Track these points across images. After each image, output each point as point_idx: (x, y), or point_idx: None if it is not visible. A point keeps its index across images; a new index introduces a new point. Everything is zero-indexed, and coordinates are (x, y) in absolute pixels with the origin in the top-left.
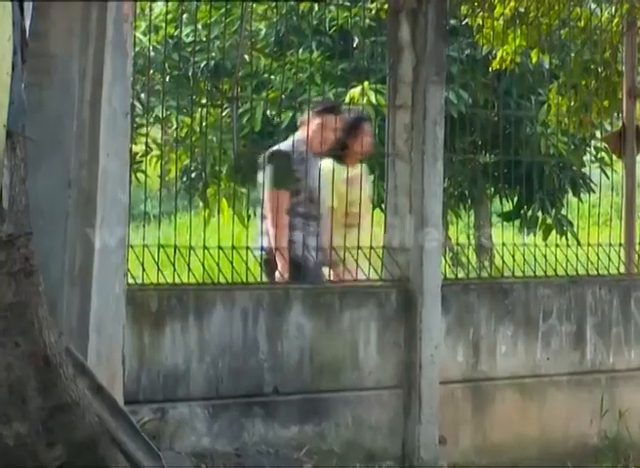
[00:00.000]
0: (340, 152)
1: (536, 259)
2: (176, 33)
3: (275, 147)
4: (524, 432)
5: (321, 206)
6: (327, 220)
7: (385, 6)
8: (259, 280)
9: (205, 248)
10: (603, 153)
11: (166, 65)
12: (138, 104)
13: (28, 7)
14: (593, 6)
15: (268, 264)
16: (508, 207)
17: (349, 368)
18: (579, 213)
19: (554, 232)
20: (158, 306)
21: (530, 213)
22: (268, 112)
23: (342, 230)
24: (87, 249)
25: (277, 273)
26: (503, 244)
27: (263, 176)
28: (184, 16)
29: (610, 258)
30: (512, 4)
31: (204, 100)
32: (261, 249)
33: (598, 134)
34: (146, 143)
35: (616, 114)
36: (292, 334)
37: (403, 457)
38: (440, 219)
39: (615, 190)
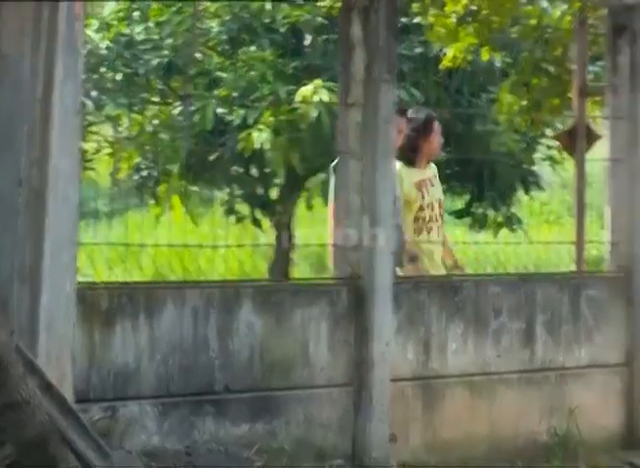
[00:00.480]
0: (411, 154)
1: (486, 257)
2: (127, 31)
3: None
4: (474, 430)
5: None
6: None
7: (337, 4)
8: (209, 278)
9: (156, 246)
10: (554, 151)
11: (117, 63)
12: (89, 102)
13: None
14: (544, 4)
15: None
16: (460, 204)
17: (300, 365)
18: (529, 210)
19: (505, 230)
20: (108, 305)
21: (481, 210)
22: (220, 110)
23: (415, 233)
24: (37, 247)
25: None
26: (455, 242)
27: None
28: (136, 14)
29: (560, 256)
30: (464, 2)
31: (155, 98)
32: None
33: (549, 132)
34: (98, 141)
35: (567, 112)
36: (242, 332)
37: (353, 455)
38: (391, 217)
39: (565, 188)
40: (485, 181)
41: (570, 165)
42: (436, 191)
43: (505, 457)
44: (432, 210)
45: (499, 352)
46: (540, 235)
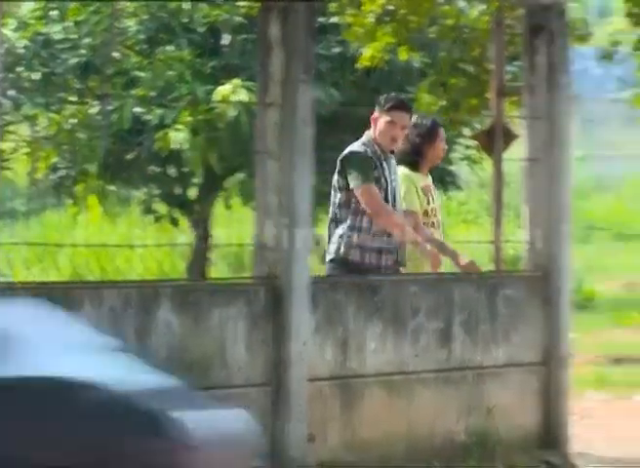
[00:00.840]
0: (416, 159)
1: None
2: (45, 30)
3: (347, 150)
4: (392, 429)
5: (397, 208)
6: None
7: (256, 4)
8: (127, 277)
9: (74, 245)
10: (472, 151)
11: (35, 63)
12: (6, 102)
13: None
14: (462, 4)
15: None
16: None
17: (218, 365)
18: (447, 210)
19: None
20: None
21: None
22: (138, 110)
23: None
24: None
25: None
26: None
27: (341, 181)
28: (54, 13)
29: (478, 256)
30: (381, 1)
31: (73, 98)
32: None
33: (467, 131)
34: (15, 141)
35: (484, 112)
36: (161, 332)
37: (272, 455)
38: (309, 218)
39: (483, 187)
40: None
41: (488, 164)
42: (437, 197)
43: (423, 456)
44: (435, 216)
45: (417, 351)
46: (458, 234)
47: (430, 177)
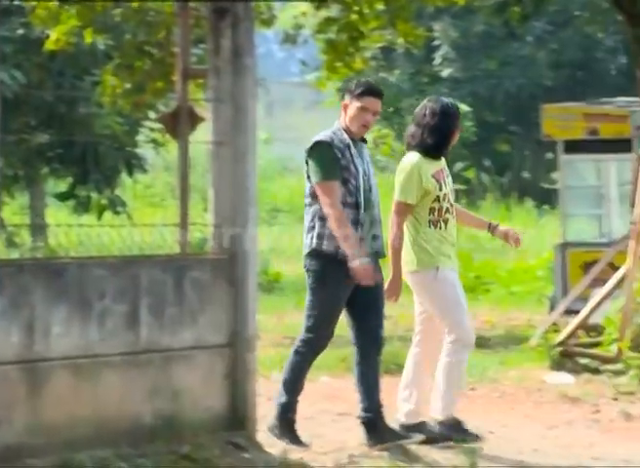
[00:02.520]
0: (434, 143)
1: (90, 240)
2: None
3: (312, 140)
4: (79, 412)
5: (373, 194)
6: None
7: None
8: None
9: None
10: (157, 134)
11: None
12: None
13: None
14: None
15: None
16: (63, 187)
17: None
18: (133, 193)
19: (109, 212)
20: None
21: (84, 193)
22: None
23: (430, 226)
24: None
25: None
26: (58, 224)
27: (307, 171)
28: None
29: (164, 238)
30: None
31: None
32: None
33: (153, 114)
34: None
35: (170, 95)
36: None
37: None
38: None
39: (169, 170)
40: (89, 164)
41: (173, 147)
42: (450, 182)
43: (110, 439)
44: (448, 201)
45: (103, 335)
46: (145, 217)
47: (443, 161)
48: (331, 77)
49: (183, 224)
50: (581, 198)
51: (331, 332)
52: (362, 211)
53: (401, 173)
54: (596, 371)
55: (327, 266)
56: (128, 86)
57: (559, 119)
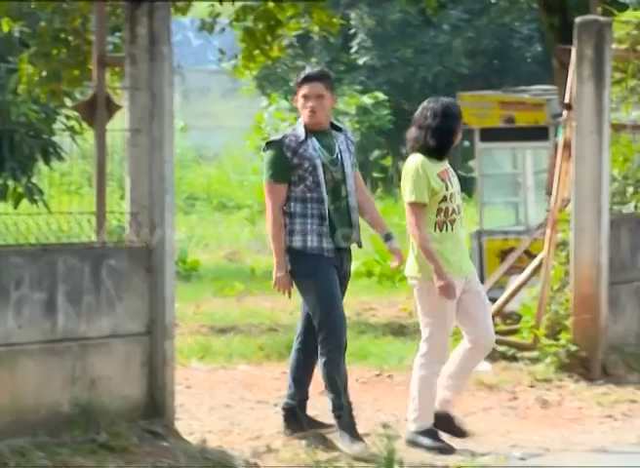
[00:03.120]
0: (436, 144)
1: (7, 228)
2: None
3: (270, 138)
4: None
5: (348, 183)
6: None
7: None
8: None
9: None
10: (74, 122)
11: None
12: None
13: None
14: None
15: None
16: None
17: None
18: (50, 181)
19: (26, 200)
20: None
21: (1, 181)
22: None
23: (436, 228)
24: None
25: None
26: None
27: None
28: None
29: (81, 226)
30: None
31: None
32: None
33: (69, 102)
34: None
35: (87, 83)
36: None
37: None
38: None
39: (86, 158)
40: (5, 152)
41: (90, 135)
42: (456, 182)
43: (28, 428)
44: (455, 201)
45: (20, 323)
46: (61, 206)
47: (446, 162)
48: (248, 65)
49: (100, 213)
50: (498, 186)
51: (341, 315)
52: (326, 205)
53: (407, 174)
54: (513, 359)
55: (301, 261)
56: (44, 74)
57: (475, 107)
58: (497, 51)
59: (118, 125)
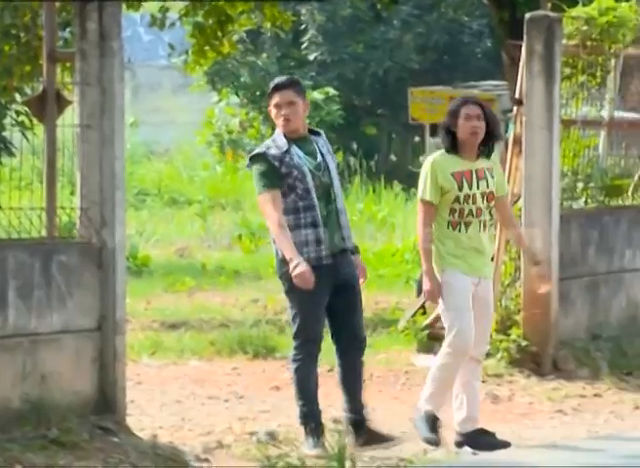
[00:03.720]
0: (449, 142)
1: None
2: None
3: (253, 152)
4: None
5: (335, 187)
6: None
7: None
8: None
9: None
10: (24, 117)
11: None
12: None
13: None
14: None
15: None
16: None
17: None
18: None
19: None
20: None
21: None
22: None
23: (449, 227)
24: None
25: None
26: None
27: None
28: None
29: (32, 222)
30: None
31: None
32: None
33: (20, 98)
34: None
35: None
36: None
37: None
38: None
39: (36, 154)
40: None
41: (40, 131)
42: (484, 184)
43: None
44: (474, 203)
45: None
46: (11, 201)
47: (489, 162)
48: (199, 61)
49: (51, 208)
50: None
51: (319, 334)
52: (318, 211)
53: (422, 171)
54: None
55: None
56: None
57: (426, 102)
58: (447, 46)
59: (68, 120)
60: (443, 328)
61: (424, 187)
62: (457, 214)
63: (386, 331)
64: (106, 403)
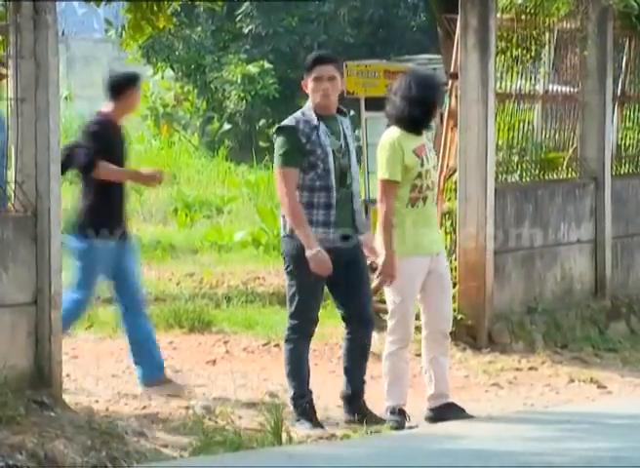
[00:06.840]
0: (409, 118)
1: None
2: None
3: (278, 125)
4: None
5: (352, 170)
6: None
7: None
8: None
9: None
10: None
11: None
12: None
13: None
14: None
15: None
16: None
17: None
18: None
19: None
20: None
21: None
22: None
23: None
24: None
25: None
26: None
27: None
28: None
29: None
30: None
31: None
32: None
33: None
34: None
35: None
36: None
37: None
38: None
39: None
40: None
41: None
42: (432, 157)
43: None
44: (429, 178)
45: None
46: None
47: (425, 137)
48: (135, 36)
49: None
50: None
51: (315, 316)
52: (334, 193)
53: (382, 149)
54: None
55: (300, 250)
56: None
57: (360, 76)
58: (382, 20)
59: (3, 94)
60: (381, 301)
61: (389, 166)
62: (417, 190)
63: (322, 304)
64: (42, 377)
